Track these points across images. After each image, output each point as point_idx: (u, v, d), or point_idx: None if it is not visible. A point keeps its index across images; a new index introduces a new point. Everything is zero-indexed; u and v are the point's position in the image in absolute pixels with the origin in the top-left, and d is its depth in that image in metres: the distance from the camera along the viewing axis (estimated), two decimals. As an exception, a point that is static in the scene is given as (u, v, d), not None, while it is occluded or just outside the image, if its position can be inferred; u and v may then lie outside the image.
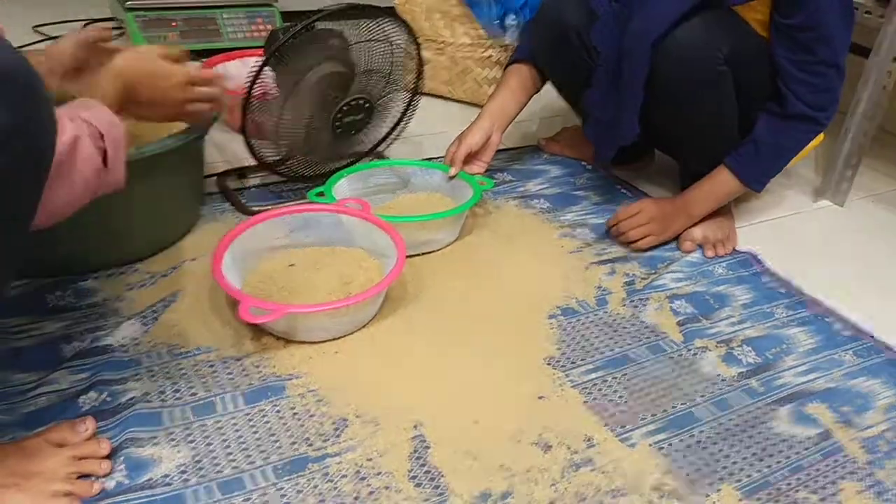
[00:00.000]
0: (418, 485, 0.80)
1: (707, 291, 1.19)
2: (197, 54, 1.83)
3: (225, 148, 1.47)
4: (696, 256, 1.27)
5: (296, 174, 1.30)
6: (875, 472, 0.88)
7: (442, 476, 0.81)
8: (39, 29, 1.92)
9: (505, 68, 1.42)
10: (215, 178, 1.34)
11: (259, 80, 1.15)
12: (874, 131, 1.45)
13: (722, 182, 1.26)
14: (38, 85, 0.60)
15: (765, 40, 1.19)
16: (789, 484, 0.85)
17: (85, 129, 0.72)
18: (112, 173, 0.76)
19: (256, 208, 1.26)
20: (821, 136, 1.29)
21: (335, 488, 0.79)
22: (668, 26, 1.15)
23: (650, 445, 0.88)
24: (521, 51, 1.40)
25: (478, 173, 1.32)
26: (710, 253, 1.28)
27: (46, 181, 0.65)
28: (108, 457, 0.78)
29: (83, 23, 1.99)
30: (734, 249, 1.31)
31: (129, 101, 0.89)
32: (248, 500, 0.76)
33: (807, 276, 1.24)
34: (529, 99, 1.40)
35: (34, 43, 1.86)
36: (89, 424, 0.79)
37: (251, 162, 1.26)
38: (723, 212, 1.33)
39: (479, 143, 1.31)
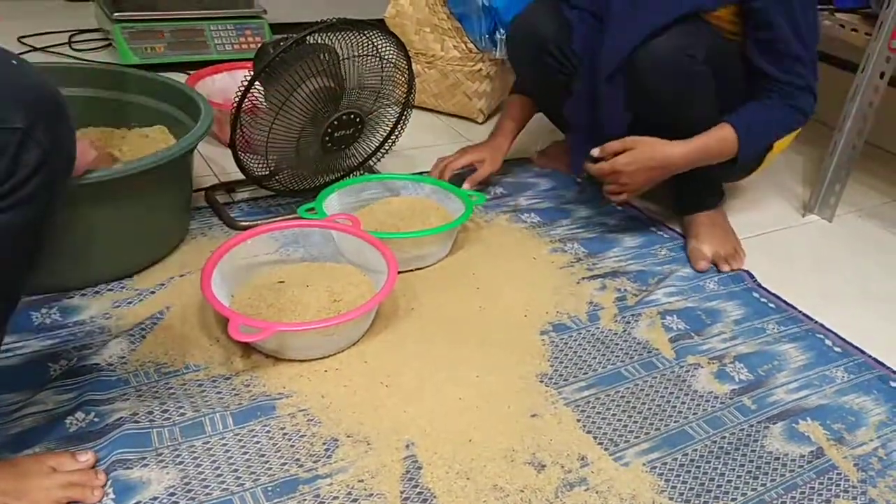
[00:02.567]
0: (411, 506, 0.79)
1: (699, 307, 1.19)
2: (184, 66, 1.83)
3: (213, 162, 1.46)
4: (688, 271, 1.27)
5: (285, 188, 1.29)
6: (868, 491, 0.88)
7: (434, 497, 0.81)
8: (24, 40, 1.90)
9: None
10: (204, 192, 1.33)
11: (248, 95, 1.14)
12: (862, 146, 1.46)
13: (716, 138, 1.20)
14: (66, 106, 0.65)
15: (738, 44, 1.21)
16: (784, 502, 0.85)
17: None
18: None
19: (245, 223, 1.25)
20: (794, 134, 1.31)
21: (327, 511, 0.78)
22: (642, 40, 1.16)
23: (644, 465, 0.88)
24: (519, 83, 1.49)
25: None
26: (725, 268, 1.28)
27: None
28: (102, 487, 0.76)
29: (70, 33, 1.97)
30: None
31: None
32: (239, 523, 0.75)
33: (797, 291, 1.25)
34: (526, 123, 1.49)
35: (20, 54, 1.84)
36: (90, 457, 0.78)
37: (240, 176, 1.25)
38: (721, 225, 1.34)
39: (461, 167, 1.41)
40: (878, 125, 1.49)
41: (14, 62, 0.62)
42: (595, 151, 1.23)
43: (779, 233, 1.47)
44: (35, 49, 1.87)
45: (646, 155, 1.19)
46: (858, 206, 1.60)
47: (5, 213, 0.60)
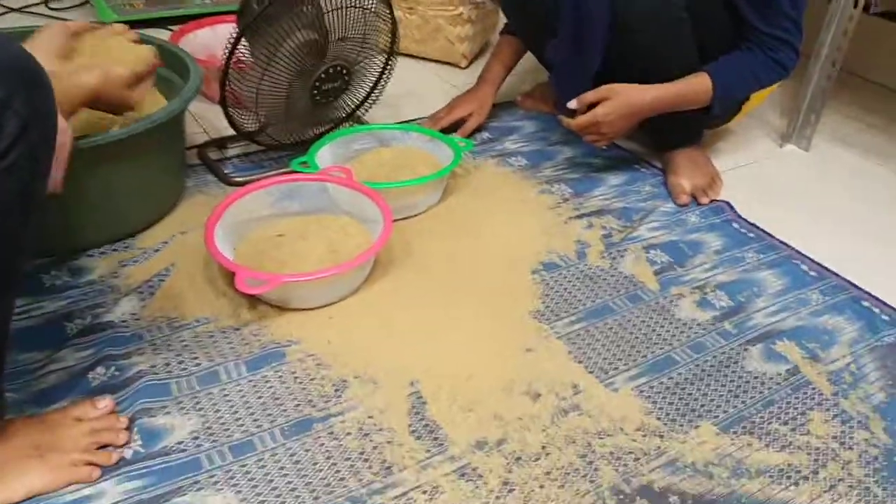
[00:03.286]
0: (419, 438, 0.85)
1: (681, 240, 1.24)
2: (165, 22, 1.82)
3: (202, 118, 1.48)
4: (670, 206, 1.32)
5: (276, 143, 1.32)
6: (840, 402, 0.95)
7: (440, 428, 0.87)
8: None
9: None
10: (196, 149, 1.35)
11: (235, 51, 1.15)
12: (836, 75, 1.50)
13: (692, 85, 1.24)
14: (44, 75, 0.64)
15: None
16: (762, 417, 0.92)
17: None
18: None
19: (239, 178, 1.28)
20: (773, 87, 1.34)
21: (341, 445, 0.84)
22: None
23: (632, 389, 0.94)
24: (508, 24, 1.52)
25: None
26: (704, 200, 1.33)
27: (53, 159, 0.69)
28: (126, 429, 0.82)
29: (44, -7, 1.95)
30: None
31: (89, 104, 0.92)
32: (261, 460, 0.81)
33: (776, 220, 1.30)
34: (515, 64, 1.54)
35: (-4, 16, 1.82)
36: (108, 402, 0.83)
37: (230, 132, 1.27)
38: (699, 159, 1.38)
39: (450, 123, 1.46)
40: (854, 52, 1.52)
41: None
42: (572, 104, 1.26)
43: (758, 164, 1.51)
44: (11, 10, 1.85)
45: (622, 102, 1.22)
46: (835, 134, 1.64)
47: None
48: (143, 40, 1.07)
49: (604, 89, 1.23)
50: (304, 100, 1.25)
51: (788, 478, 0.85)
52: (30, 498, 0.75)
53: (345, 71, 1.26)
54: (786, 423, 0.91)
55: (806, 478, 0.85)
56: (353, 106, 1.38)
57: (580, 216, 1.28)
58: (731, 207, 1.33)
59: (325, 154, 1.27)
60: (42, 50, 0.89)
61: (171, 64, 1.23)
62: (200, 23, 1.61)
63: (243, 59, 1.18)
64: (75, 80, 0.88)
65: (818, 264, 1.20)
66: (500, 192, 1.33)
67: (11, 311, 0.72)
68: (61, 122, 0.76)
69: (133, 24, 1.77)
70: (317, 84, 1.23)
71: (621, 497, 0.80)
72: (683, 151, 1.38)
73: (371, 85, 1.38)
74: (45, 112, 0.65)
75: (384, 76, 1.38)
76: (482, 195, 1.32)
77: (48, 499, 0.75)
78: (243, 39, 1.16)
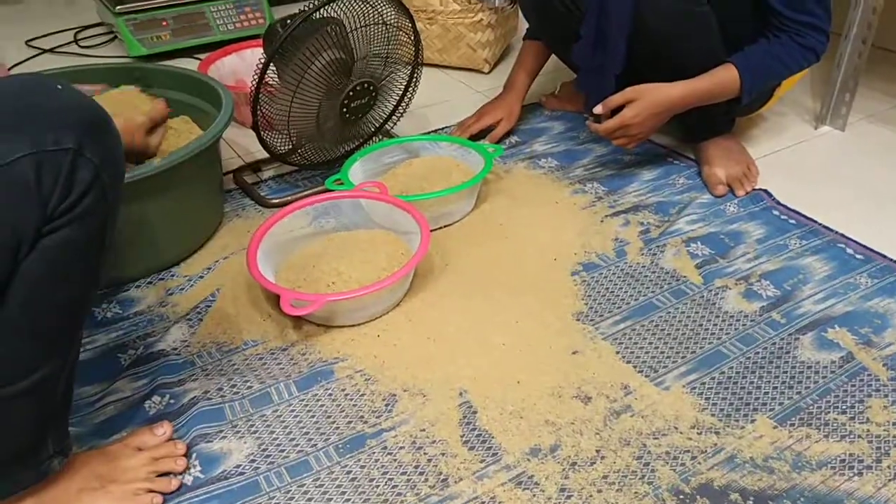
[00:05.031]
0: (472, 448, 0.85)
1: (721, 231, 1.22)
2: (191, 51, 1.86)
3: (235, 143, 1.50)
4: (707, 198, 1.31)
5: (308, 162, 1.33)
6: (898, 387, 0.93)
7: (492, 437, 0.87)
8: (32, 43, 1.94)
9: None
10: (232, 174, 1.37)
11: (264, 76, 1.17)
12: (868, 53, 1.47)
13: (719, 78, 1.22)
14: (111, 121, 0.68)
15: None
16: (819, 407, 0.90)
17: None
18: None
19: (276, 200, 1.30)
20: (803, 72, 1.31)
21: (395, 460, 0.84)
22: None
23: (683, 387, 0.93)
24: (531, 28, 1.52)
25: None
26: (740, 192, 1.31)
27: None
28: (184, 455, 0.83)
29: (74, 30, 2.00)
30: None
31: None
32: (318, 479, 0.82)
33: (816, 204, 1.28)
34: (540, 69, 1.54)
35: (30, 58, 1.87)
36: (166, 428, 0.85)
37: (263, 155, 1.29)
38: (733, 148, 1.36)
39: (479, 130, 1.48)
40: (884, 27, 1.49)
41: (59, 87, 0.65)
42: (598, 109, 1.25)
43: (793, 148, 1.49)
44: (44, 51, 1.91)
45: (649, 102, 1.21)
46: (870, 112, 1.61)
47: (66, 229, 0.64)
48: (154, 95, 1.17)
49: (629, 91, 1.22)
50: (333, 118, 1.26)
51: (851, 468, 0.83)
52: (97, 529, 0.76)
53: (372, 87, 1.27)
54: (844, 412, 0.90)
55: (869, 467, 0.83)
56: (381, 120, 1.39)
57: (616, 213, 1.27)
58: (770, 195, 1.31)
59: (357, 170, 1.28)
60: None
61: (202, 93, 1.26)
62: (226, 50, 1.64)
63: (272, 82, 1.20)
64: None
65: (864, 246, 1.18)
66: (534, 194, 1.33)
67: (79, 353, 0.75)
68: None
69: (161, 56, 1.82)
70: (345, 102, 1.25)
71: (681, 497, 0.80)
72: (716, 141, 1.37)
73: (398, 98, 1.39)
74: (114, 158, 0.68)
75: (410, 88, 1.39)
76: (516, 199, 1.32)
77: (116, 528, 0.77)
78: (272, 64, 1.18)
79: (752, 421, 0.89)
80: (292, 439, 0.87)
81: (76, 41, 1.96)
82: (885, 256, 1.16)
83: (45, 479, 0.74)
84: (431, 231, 1.18)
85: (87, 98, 0.67)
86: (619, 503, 0.79)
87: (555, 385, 0.94)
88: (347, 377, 0.95)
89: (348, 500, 0.80)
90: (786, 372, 0.96)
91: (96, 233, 0.68)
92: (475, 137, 1.45)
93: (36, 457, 0.72)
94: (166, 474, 0.82)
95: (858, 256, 1.16)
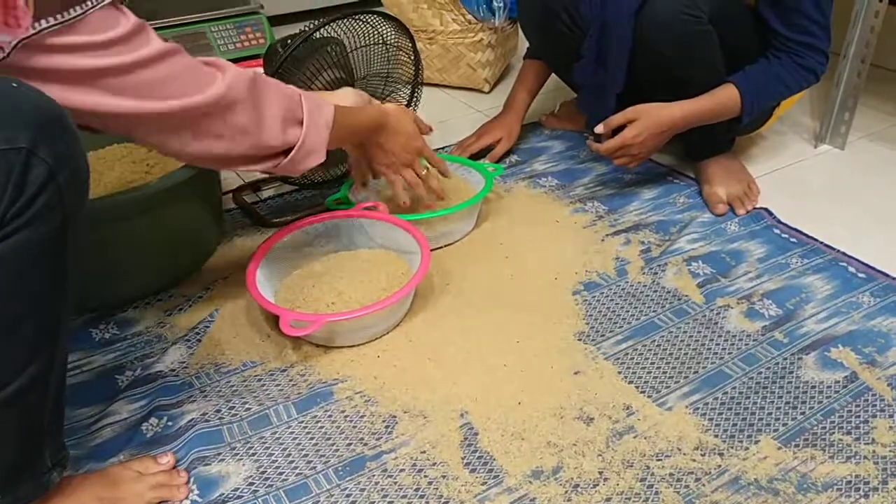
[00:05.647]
0: (473, 470, 0.84)
1: (722, 250, 1.22)
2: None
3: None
4: (707, 216, 1.30)
5: (308, 181, 1.33)
6: (903, 408, 0.92)
7: (494, 459, 0.86)
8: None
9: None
10: (231, 194, 1.37)
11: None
12: (867, 72, 1.47)
13: (719, 98, 1.23)
14: (66, 116, 0.66)
15: (748, 2, 1.22)
16: (824, 428, 0.89)
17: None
18: (303, 148, 0.90)
19: (276, 220, 1.29)
20: (803, 93, 1.32)
21: (395, 483, 0.83)
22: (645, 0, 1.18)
23: (686, 407, 0.92)
24: (532, 48, 1.52)
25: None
26: (741, 211, 1.31)
27: (86, 207, 0.70)
28: (186, 484, 0.82)
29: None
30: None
31: (371, 133, 1.07)
32: (317, 502, 0.81)
33: (817, 222, 1.28)
34: (540, 88, 1.55)
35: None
36: (170, 458, 0.84)
37: (264, 174, 1.28)
38: (733, 167, 1.36)
39: (479, 150, 1.48)
40: (882, 45, 1.50)
41: (14, 84, 0.63)
42: (599, 129, 1.25)
43: (793, 167, 1.49)
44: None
45: (650, 122, 1.21)
46: (869, 130, 1.61)
47: (22, 232, 0.61)
48: None
49: (630, 111, 1.22)
50: (333, 138, 1.26)
51: (857, 490, 0.82)
52: (95, 553, 0.75)
53: (372, 106, 1.27)
54: (849, 433, 0.89)
55: (875, 489, 0.82)
56: (381, 140, 1.39)
57: (617, 233, 1.27)
58: (771, 213, 1.31)
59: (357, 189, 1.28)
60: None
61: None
62: (227, 69, 1.64)
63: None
64: (371, 102, 1.11)
65: (866, 265, 1.18)
66: (534, 214, 1.33)
67: (65, 364, 0.73)
68: (329, 106, 0.95)
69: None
70: (345, 121, 1.24)
71: (685, 520, 0.79)
72: (716, 160, 1.37)
73: (398, 117, 1.39)
74: (72, 157, 0.65)
75: (410, 107, 1.39)
76: (516, 219, 1.31)
77: (112, 554, 0.76)
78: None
79: (756, 442, 0.88)
80: (291, 462, 0.86)
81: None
82: (887, 275, 1.15)
83: (46, 492, 0.73)
84: (432, 250, 1.17)
85: (44, 97, 0.64)
86: (623, 527, 0.78)
87: (556, 406, 0.93)
88: (347, 398, 0.94)
89: (348, 524, 0.79)
90: (789, 392, 0.95)
91: (55, 235, 0.64)
92: (475, 157, 1.45)
93: (33, 469, 0.71)
94: (165, 501, 0.80)
95: (860, 275, 1.16)
